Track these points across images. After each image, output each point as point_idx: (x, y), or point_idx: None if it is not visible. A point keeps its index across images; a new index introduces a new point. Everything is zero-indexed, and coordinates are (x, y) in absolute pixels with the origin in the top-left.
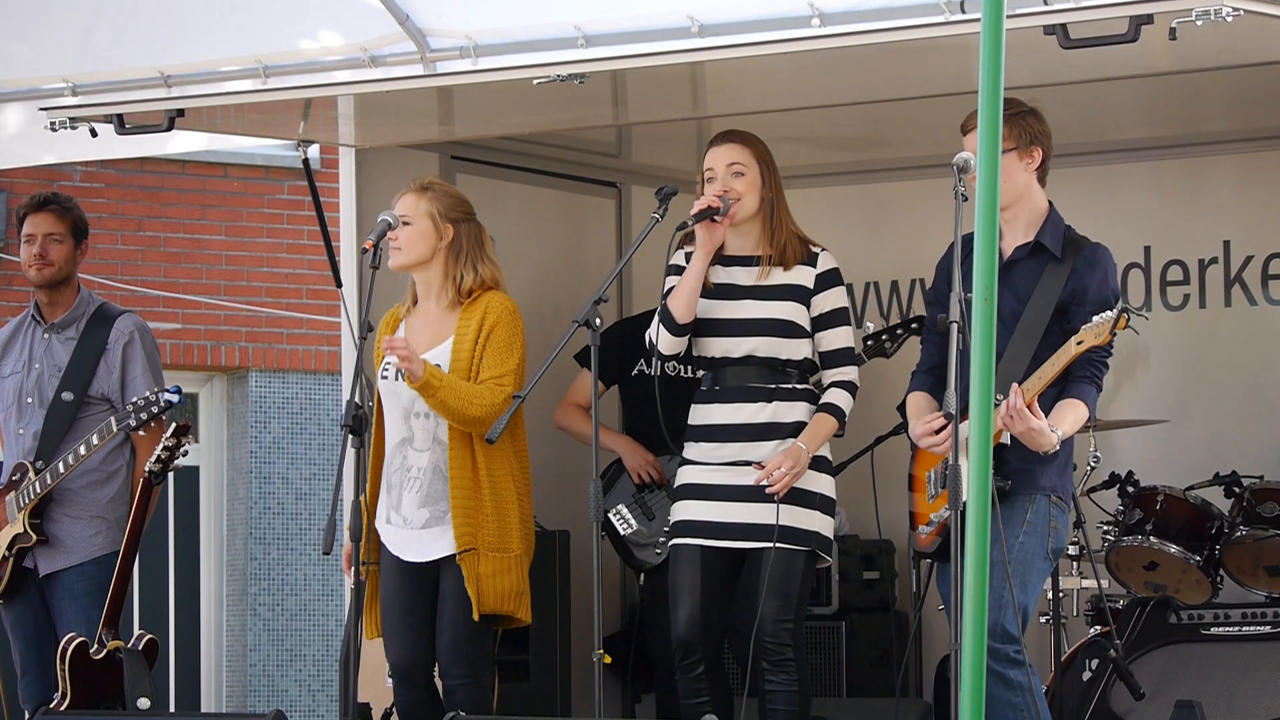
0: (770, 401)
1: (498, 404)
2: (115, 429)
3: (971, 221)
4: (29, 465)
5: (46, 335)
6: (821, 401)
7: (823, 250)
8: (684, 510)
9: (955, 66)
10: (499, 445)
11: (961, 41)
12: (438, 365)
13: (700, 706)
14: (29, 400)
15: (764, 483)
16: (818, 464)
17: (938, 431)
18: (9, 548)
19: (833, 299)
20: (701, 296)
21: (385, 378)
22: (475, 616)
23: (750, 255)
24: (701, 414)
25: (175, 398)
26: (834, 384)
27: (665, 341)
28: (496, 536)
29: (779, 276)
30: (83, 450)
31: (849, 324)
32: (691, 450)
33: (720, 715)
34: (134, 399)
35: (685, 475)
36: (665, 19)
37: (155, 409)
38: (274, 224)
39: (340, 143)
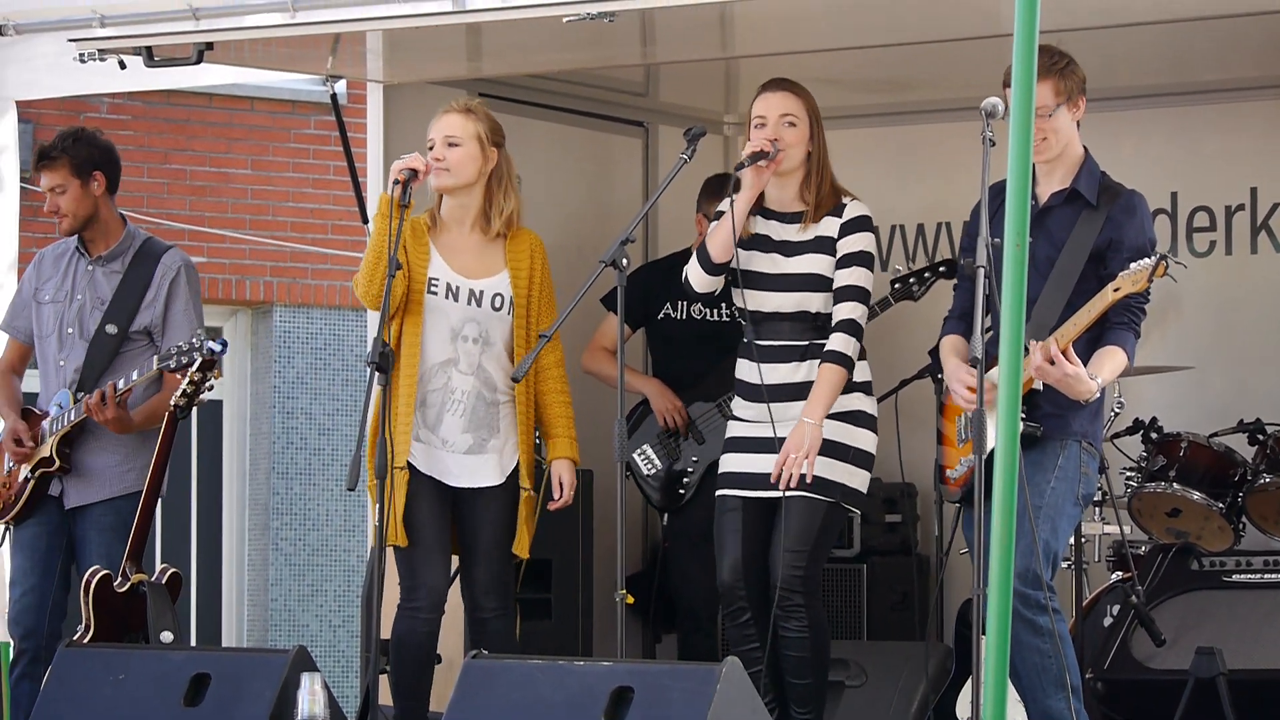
0: (804, 360)
1: (560, 356)
2: (155, 368)
3: (999, 166)
4: (70, 395)
5: (91, 267)
6: (824, 351)
7: (853, 200)
8: (729, 463)
9: (986, 9)
10: (529, 381)
11: None
12: (498, 295)
13: (751, 653)
14: (69, 331)
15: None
16: (860, 420)
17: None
18: (33, 470)
19: (856, 242)
20: (740, 247)
21: (434, 293)
22: (525, 554)
23: (787, 211)
24: (743, 370)
25: (219, 347)
26: (835, 328)
27: (697, 278)
28: (530, 473)
29: (809, 231)
30: (121, 384)
31: (867, 266)
32: (738, 407)
33: (771, 659)
34: (179, 343)
35: (733, 429)
36: None
37: (196, 356)
38: (300, 159)
39: (368, 78)
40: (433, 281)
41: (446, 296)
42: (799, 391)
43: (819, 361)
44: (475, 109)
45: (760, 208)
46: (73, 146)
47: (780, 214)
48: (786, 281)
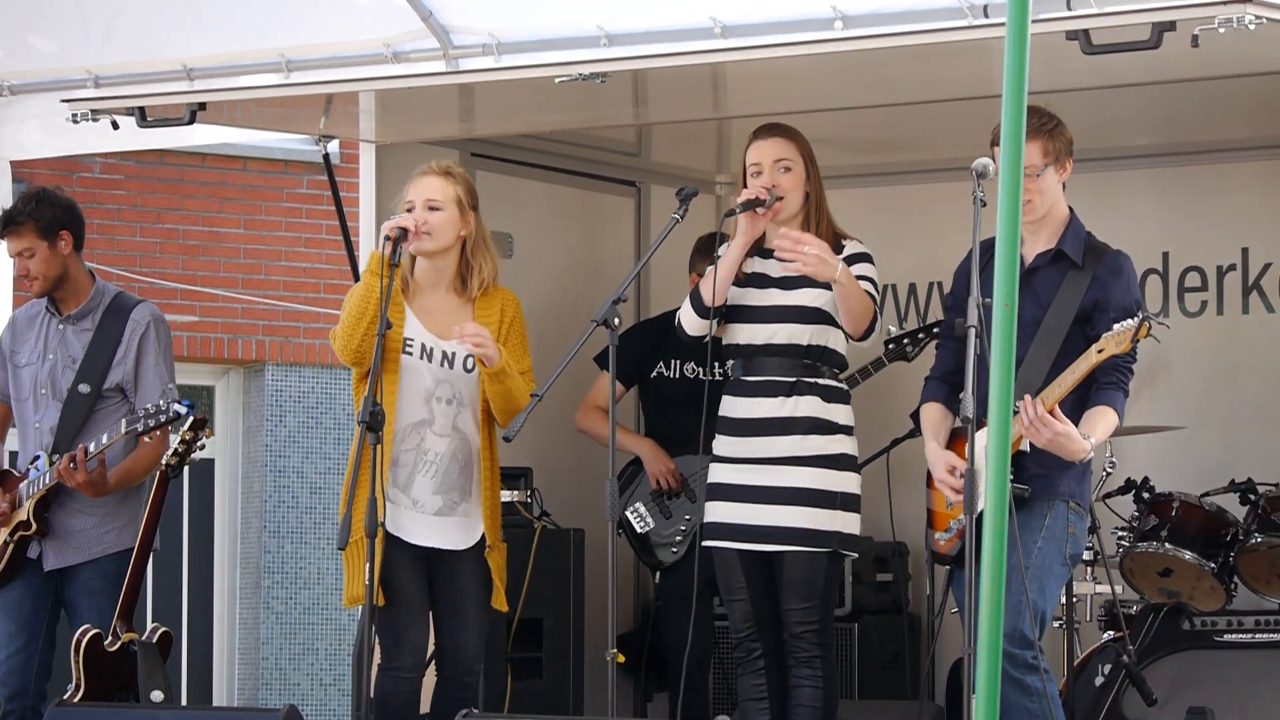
0: (790, 395)
1: (528, 399)
2: (124, 430)
3: (990, 226)
4: (46, 457)
5: (61, 326)
6: None
7: (852, 240)
8: (715, 511)
9: (976, 70)
10: (495, 439)
11: (983, 45)
12: (470, 357)
13: (758, 704)
14: (43, 392)
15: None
16: (842, 463)
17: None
18: (11, 534)
19: (860, 269)
20: (735, 285)
21: (409, 353)
22: (505, 608)
23: None
24: (728, 406)
25: (183, 409)
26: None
27: (689, 321)
28: (497, 529)
29: None
30: (92, 448)
31: (870, 283)
32: (720, 445)
33: (778, 711)
34: (146, 405)
35: (715, 473)
36: (688, 19)
37: (163, 418)
38: (293, 218)
39: (361, 138)
40: (408, 342)
41: (421, 357)
42: (785, 426)
43: (836, 405)
44: (454, 172)
45: (759, 248)
46: (36, 209)
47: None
48: (779, 313)
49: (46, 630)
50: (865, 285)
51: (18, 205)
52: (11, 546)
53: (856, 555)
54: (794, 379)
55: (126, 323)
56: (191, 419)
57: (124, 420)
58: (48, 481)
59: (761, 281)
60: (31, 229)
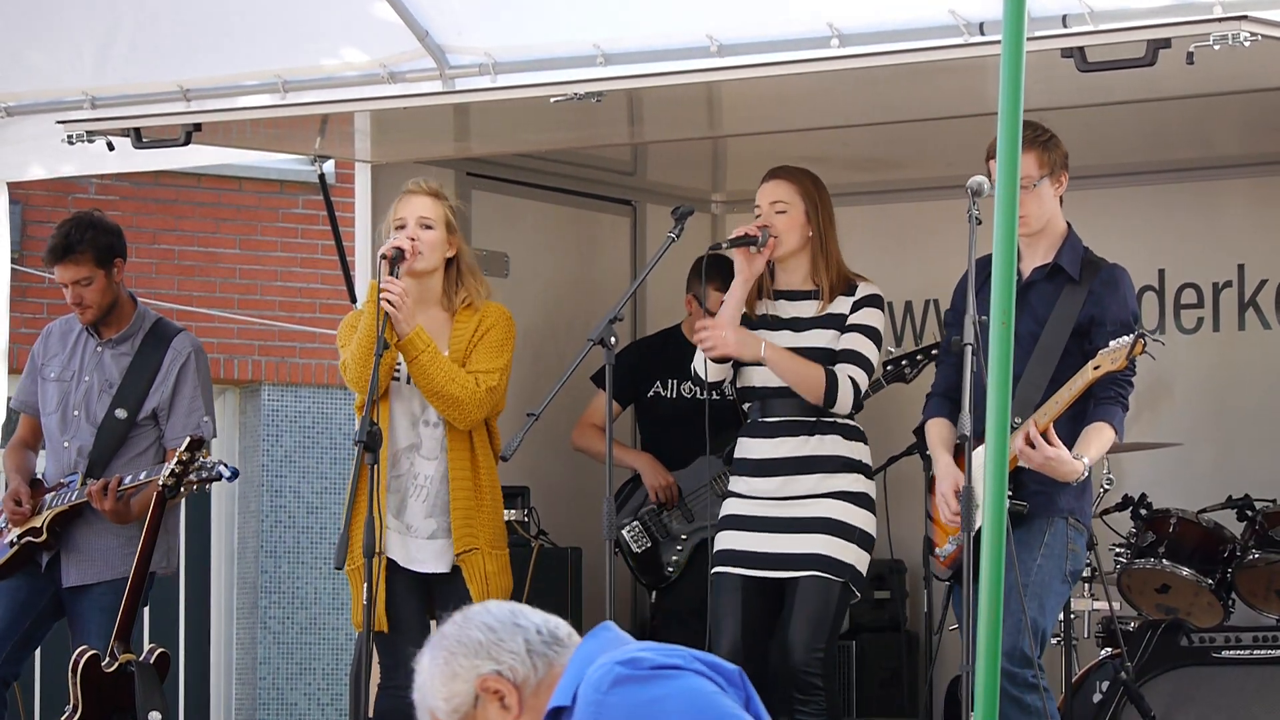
0: (812, 435)
1: (479, 393)
2: (163, 477)
3: (986, 244)
4: (80, 477)
5: (100, 349)
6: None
7: (865, 282)
8: (726, 540)
9: (972, 88)
10: (487, 448)
11: (979, 63)
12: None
13: None
14: (75, 413)
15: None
16: (862, 501)
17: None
18: (19, 536)
19: (864, 316)
20: (747, 328)
21: (396, 379)
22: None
23: (798, 290)
24: (745, 448)
25: (227, 472)
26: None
27: (708, 369)
28: (493, 536)
29: (822, 310)
30: (128, 480)
31: (873, 340)
32: (737, 484)
33: None
34: (198, 465)
35: (730, 507)
36: (684, 38)
37: (205, 474)
38: (288, 238)
39: (356, 158)
40: (397, 367)
41: (407, 382)
42: (809, 465)
43: (858, 443)
44: (439, 192)
45: (770, 290)
46: (92, 236)
47: (790, 292)
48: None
49: (32, 626)
50: (855, 339)
51: (71, 233)
52: (17, 548)
53: (859, 598)
54: (814, 418)
55: (167, 351)
56: (189, 439)
57: (168, 468)
58: (73, 499)
59: (774, 323)
60: (89, 258)
